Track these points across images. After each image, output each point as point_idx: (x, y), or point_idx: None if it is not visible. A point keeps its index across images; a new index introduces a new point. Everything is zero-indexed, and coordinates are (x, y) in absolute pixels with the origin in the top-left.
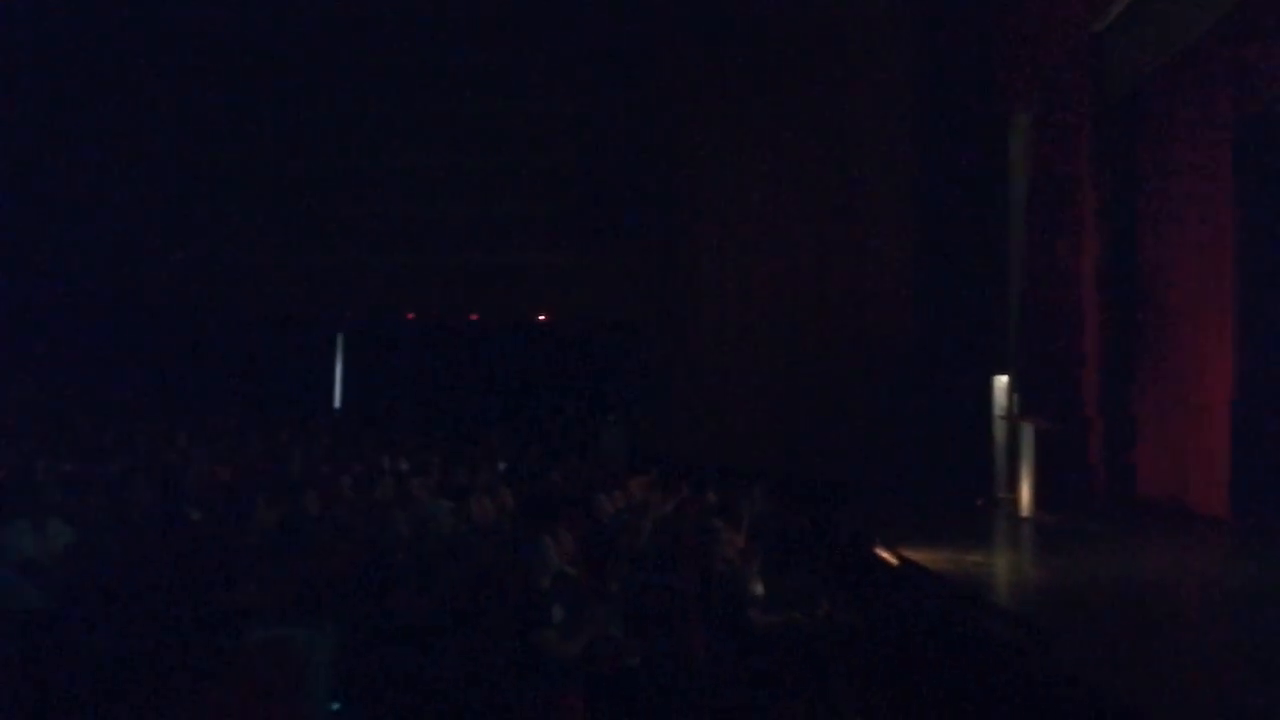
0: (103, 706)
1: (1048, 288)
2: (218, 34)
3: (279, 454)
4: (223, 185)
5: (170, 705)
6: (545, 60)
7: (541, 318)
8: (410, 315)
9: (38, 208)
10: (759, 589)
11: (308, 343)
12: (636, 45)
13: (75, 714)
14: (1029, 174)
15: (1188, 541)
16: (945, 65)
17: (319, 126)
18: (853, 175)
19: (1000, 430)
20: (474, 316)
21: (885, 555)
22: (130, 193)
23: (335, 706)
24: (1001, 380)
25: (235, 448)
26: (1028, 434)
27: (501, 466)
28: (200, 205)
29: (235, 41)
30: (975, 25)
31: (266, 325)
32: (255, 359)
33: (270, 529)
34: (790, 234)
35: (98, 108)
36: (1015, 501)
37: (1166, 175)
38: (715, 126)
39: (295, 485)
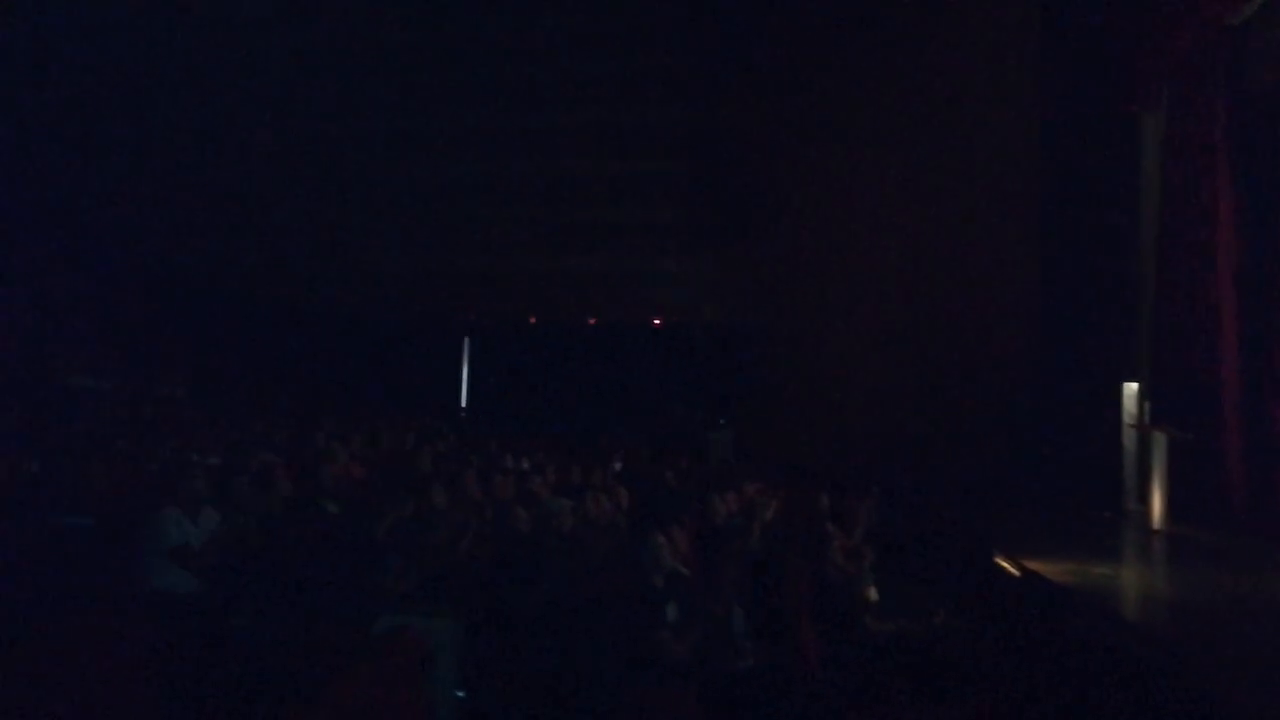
0: (244, 686)
1: (1182, 290)
2: (362, 40)
3: (409, 452)
4: (359, 191)
5: (305, 687)
6: (664, 67)
7: (656, 322)
8: (532, 319)
9: (189, 212)
10: (873, 595)
11: (436, 345)
12: (755, 50)
13: (219, 691)
14: (1160, 173)
15: None
16: (1071, 62)
17: (449, 134)
18: (975, 177)
19: (1130, 439)
20: (592, 320)
21: (1006, 565)
22: (273, 198)
23: (460, 694)
24: (1131, 387)
25: (368, 445)
26: (1159, 443)
27: (616, 466)
28: (338, 212)
29: (378, 49)
30: (1103, 20)
31: (398, 327)
32: (387, 360)
33: (399, 523)
34: (909, 238)
35: (241, 107)
36: (1146, 514)
37: None
38: (833, 131)
39: (423, 482)
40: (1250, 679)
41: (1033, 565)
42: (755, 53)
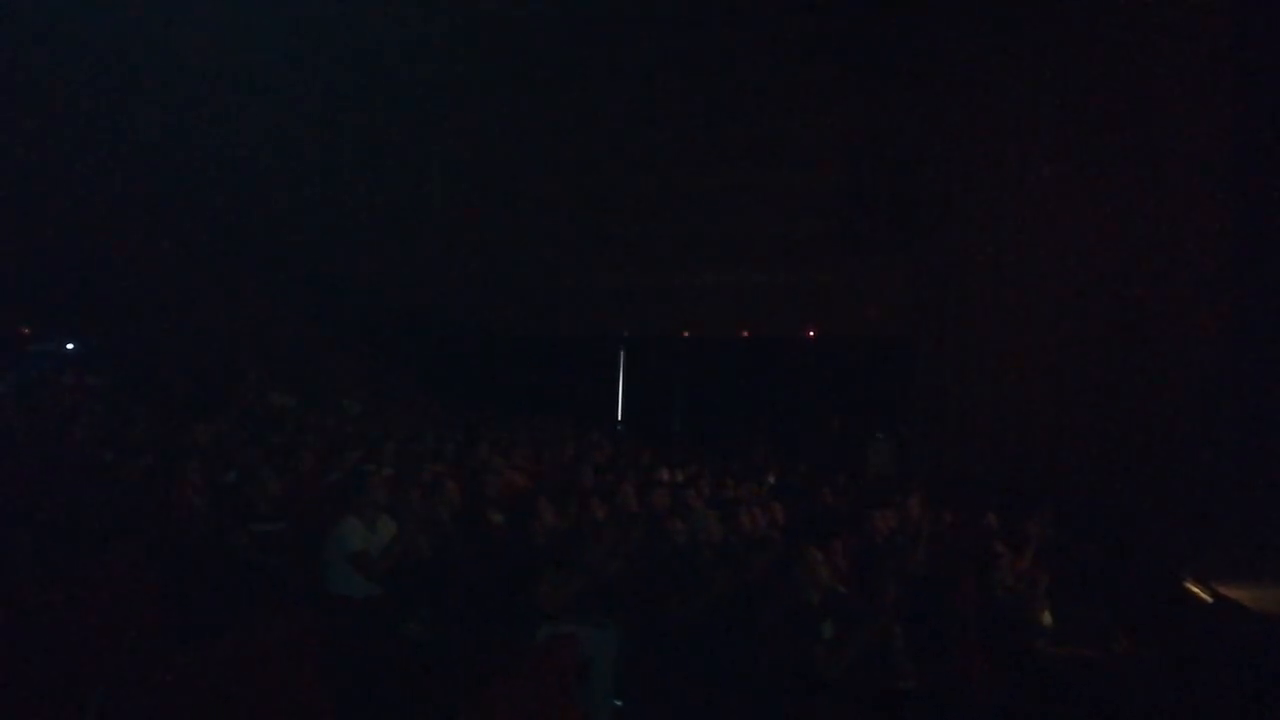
0: (412, 688)
1: None
2: (519, 51)
3: (568, 464)
4: (520, 209)
5: (469, 691)
6: (817, 77)
7: (810, 334)
8: (685, 333)
9: (341, 227)
10: (1047, 619)
11: (594, 359)
12: (917, 51)
13: (389, 692)
14: None
15: None
16: (1264, 50)
17: (605, 149)
18: (1156, 170)
19: None
20: (745, 333)
21: (1197, 590)
22: (440, 217)
23: (616, 703)
24: None
25: (530, 456)
26: None
27: (771, 480)
28: (501, 230)
29: (537, 64)
30: None
31: (558, 342)
32: (548, 374)
33: (558, 533)
34: (1087, 241)
35: (403, 127)
36: None
37: None
38: (997, 132)
39: (583, 494)
40: None
41: (1227, 591)
42: (917, 54)
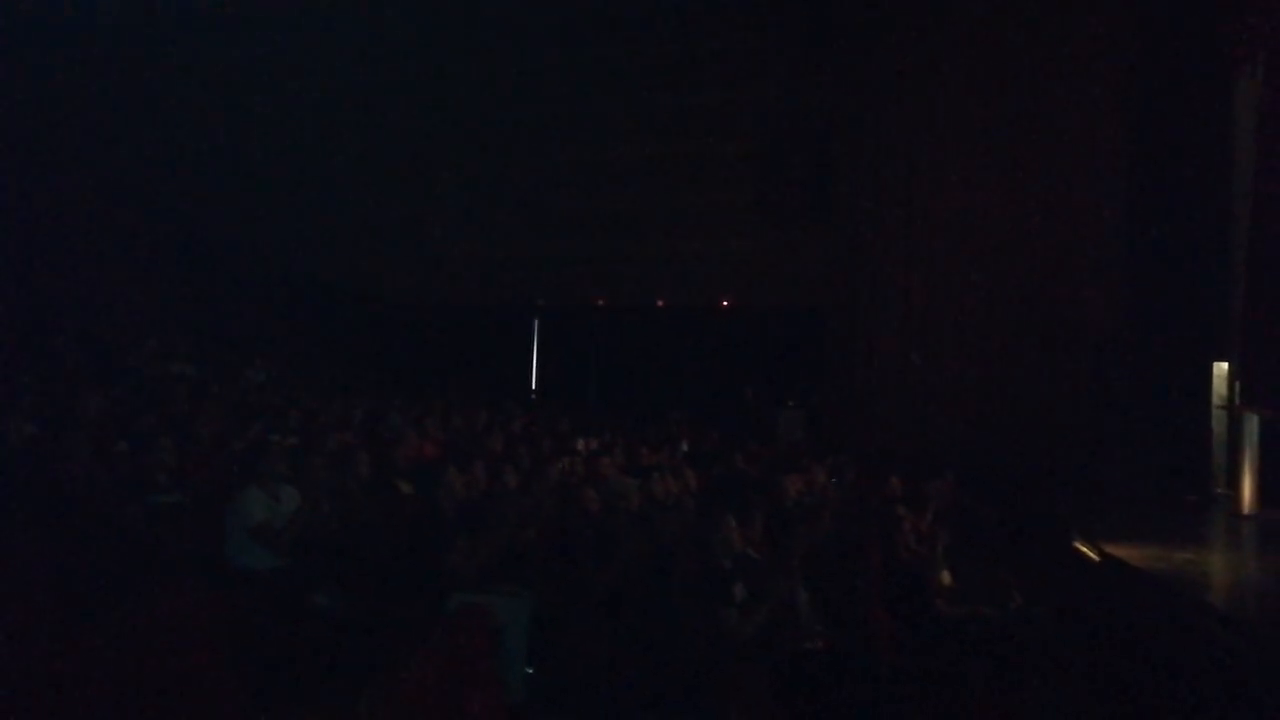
0: (320, 661)
1: (1276, 263)
2: (429, 24)
3: (480, 432)
4: (431, 178)
5: (378, 663)
6: (734, 48)
7: (725, 304)
8: (600, 301)
9: (269, 203)
10: (947, 579)
11: (507, 328)
12: (829, 29)
13: (296, 665)
14: (1255, 139)
15: None
16: (1159, 22)
17: (518, 120)
18: (1057, 145)
19: (1219, 421)
20: (661, 302)
21: (1086, 550)
22: (348, 186)
23: (529, 671)
24: (1222, 367)
25: (441, 426)
26: (1251, 425)
27: (684, 448)
28: (412, 199)
29: (446, 34)
30: None
31: (471, 311)
32: (460, 344)
33: (466, 502)
34: (989, 215)
35: (314, 97)
36: (1234, 498)
37: None
38: (901, 102)
39: (495, 462)
40: None
41: (1114, 550)
42: (829, 32)
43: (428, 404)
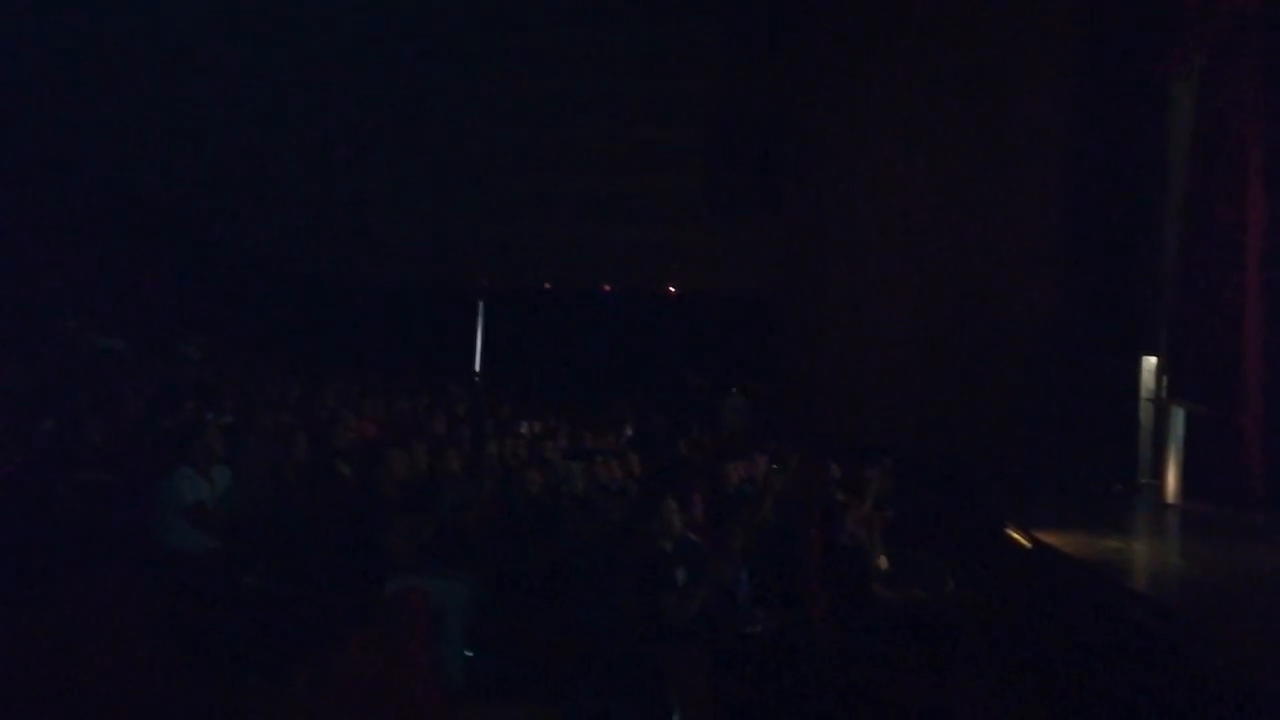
0: (254, 644)
1: (1206, 262)
2: (378, 5)
3: (422, 413)
4: (375, 158)
5: (315, 646)
6: (686, 35)
7: (671, 290)
8: (547, 285)
9: (208, 178)
10: (884, 564)
11: (451, 310)
12: (778, 19)
13: (229, 649)
14: (1189, 141)
15: None
16: (1103, 23)
17: (465, 101)
18: (998, 142)
19: (1147, 413)
20: (607, 288)
21: (1018, 536)
22: (290, 165)
23: (468, 654)
24: (1150, 361)
25: (382, 407)
26: (1177, 418)
27: (628, 432)
28: (355, 179)
29: (394, 15)
30: None
31: (414, 292)
32: (403, 325)
33: (407, 484)
34: (926, 205)
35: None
36: (1160, 488)
37: None
38: (848, 94)
39: (437, 443)
40: (1260, 652)
41: (1044, 537)
42: (779, 22)
43: (368, 384)
